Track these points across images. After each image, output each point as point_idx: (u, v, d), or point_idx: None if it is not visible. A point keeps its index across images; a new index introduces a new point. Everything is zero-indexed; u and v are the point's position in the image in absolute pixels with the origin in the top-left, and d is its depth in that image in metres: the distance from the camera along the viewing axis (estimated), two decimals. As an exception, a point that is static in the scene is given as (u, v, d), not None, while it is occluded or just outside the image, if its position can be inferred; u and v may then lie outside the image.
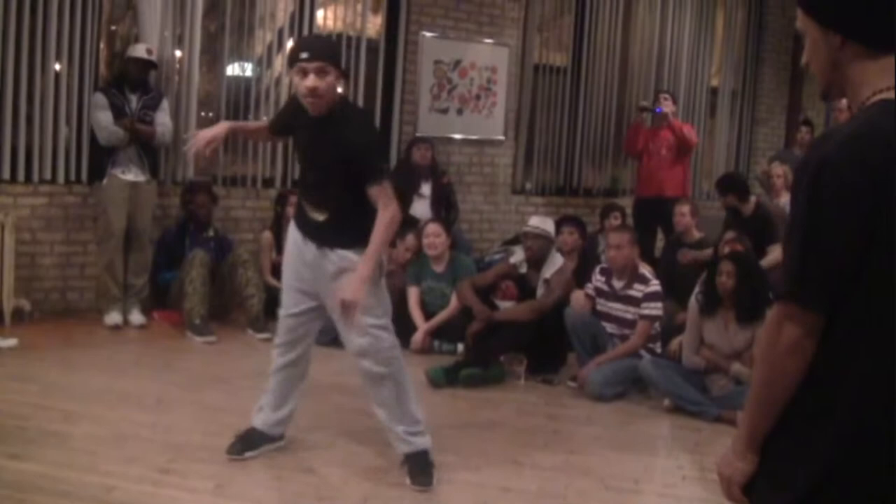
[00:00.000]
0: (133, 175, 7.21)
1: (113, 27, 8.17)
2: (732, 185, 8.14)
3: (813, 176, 1.91)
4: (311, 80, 4.08)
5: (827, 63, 2.04)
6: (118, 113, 7.05)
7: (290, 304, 4.60)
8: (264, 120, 4.45)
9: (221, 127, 4.62)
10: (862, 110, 1.98)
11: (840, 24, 1.99)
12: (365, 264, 4.13)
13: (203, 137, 4.49)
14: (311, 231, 4.40)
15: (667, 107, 9.19)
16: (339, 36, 8.75)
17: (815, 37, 2.05)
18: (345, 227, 4.28)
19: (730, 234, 7.05)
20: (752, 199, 8.09)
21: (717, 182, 8.48)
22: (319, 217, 4.34)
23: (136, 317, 7.30)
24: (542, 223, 6.94)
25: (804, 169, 1.95)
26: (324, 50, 4.20)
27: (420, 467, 4.45)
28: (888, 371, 1.90)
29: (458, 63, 9.20)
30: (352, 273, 4.15)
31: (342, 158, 4.15)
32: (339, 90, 4.32)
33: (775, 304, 1.96)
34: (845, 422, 1.91)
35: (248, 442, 4.67)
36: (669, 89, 10.01)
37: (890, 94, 1.95)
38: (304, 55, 4.11)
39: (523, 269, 6.91)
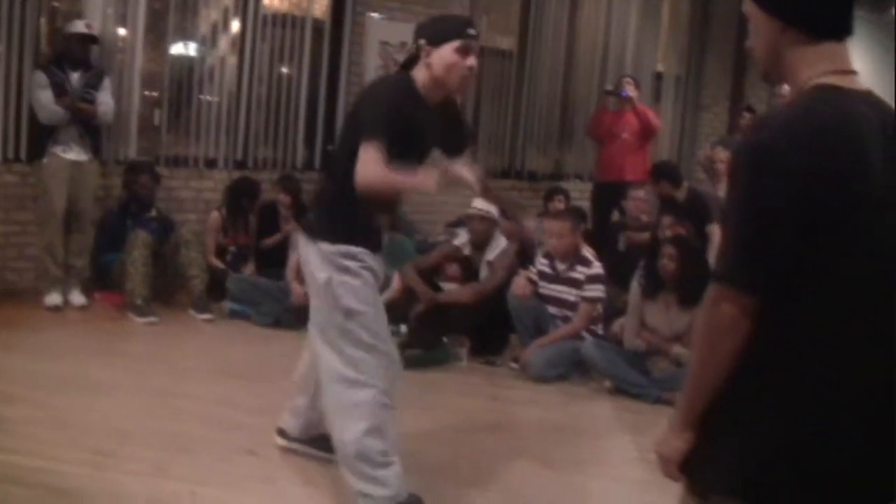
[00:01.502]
0: (74, 154, 7.12)
1: (55, 3, 8.04)
2: (665, 172, 8.24)
3: (749, 159, 1.95)
4: (473, 60, 3.75)
5: (768, 47, 2.09)
6: (59, 91, 6.94)
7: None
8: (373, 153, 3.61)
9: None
10: (799, 95, 2.02)
11: (781, 11, 2.04)
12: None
13: None
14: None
15: (631, 91, 9.24)
16: (285, 16, 8.70)
17: (759, 22, 2.09)
18: None
19: (668, 220, 7.12)
20: (685, 185, 8.21)
21: (650, 170, 8.54)
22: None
23: (77, 298, 7.23)
24: (485, 205, 6.96)
25: (741, 152, 2.00)
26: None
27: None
28: (826, 353, 1.95)
29: (404, 45, 9.14)
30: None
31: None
32: None
33: (711, 285, 1.99)
34: (778, 404, 1.95)
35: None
36: (630, 74, 10.03)
37: (827, 79, 1.99)
38: (472, 31, 3.77)
39: (467, 251, 6.94)
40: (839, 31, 2.05)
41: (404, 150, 3.59)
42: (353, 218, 3.76)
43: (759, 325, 1.95)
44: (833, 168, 1.90)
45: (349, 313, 3.73)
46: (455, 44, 3.69)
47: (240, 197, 7.86)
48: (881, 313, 1.99)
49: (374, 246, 3.84)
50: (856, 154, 1.92)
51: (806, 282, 1.93)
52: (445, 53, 3.70)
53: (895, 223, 1.99)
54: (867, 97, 2.04)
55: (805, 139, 1.90)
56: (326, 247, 3.76)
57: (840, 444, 1.97)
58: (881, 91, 2.19)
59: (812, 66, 2.02)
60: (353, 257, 3.74)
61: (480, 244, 6.86)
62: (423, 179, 3.57)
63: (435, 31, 3.78)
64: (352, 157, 3.56)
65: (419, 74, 3.78)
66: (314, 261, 3.80)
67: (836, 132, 1.92)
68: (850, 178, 1.91)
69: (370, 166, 3.49)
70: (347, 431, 3.76)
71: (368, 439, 3.73)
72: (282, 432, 4.53)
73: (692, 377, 2.06)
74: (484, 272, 6.80)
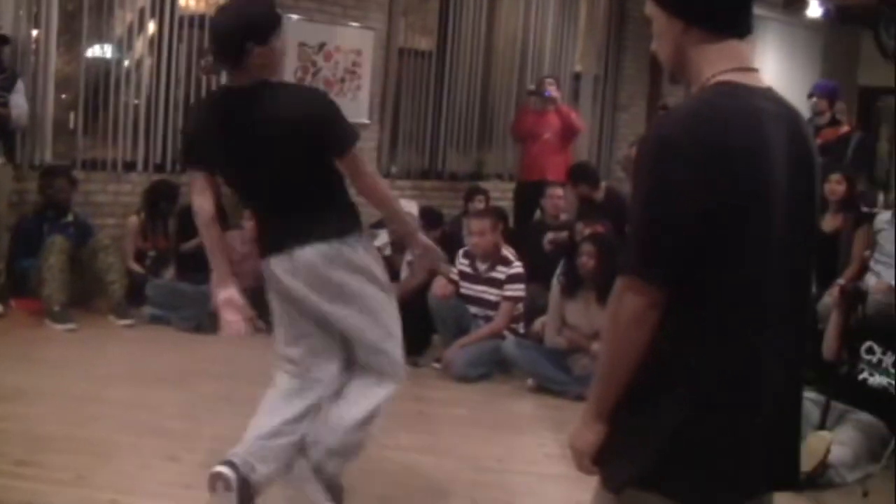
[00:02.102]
0: (-12, 158, 7.00)
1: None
2: (583, 174, 8.35)
3: (651, 152, 2.00)
4: None
5: (672, 48, 2.14)
6: (-30, 94, 6.83)
7: None
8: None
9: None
10: (701, 90, 2.07)
11: (683, 11, 2.10)
12: None
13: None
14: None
15: (553, 91, 9.32)
16: (202, 17, 8.62)
17: (661, 22, 2.15)
18: None
19: (586, 220, 7.18)
20: (603, 185, 8.33)
21: (568, 172, 8.62)
22: None
23: (-7, 305, 7.11)
24: (406, 206, 6.98)
25: (644, 145, 2.06)
26: None
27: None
28: (729, 343, 2.00)
29: (322, 46, 9.15)
30: None
31: None
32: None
33: (618, 278, 2.04)
34: (686, 395, 2.00)
35: None
36: (550, 74, 10.13)
37: (728, 76, 2.04)
38: None
39: (388, 252, 6.95)
40: (740, 29, 2.11)
41: None
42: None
43: (665, 316, 1.98)
44: (732, 160, 1.95)
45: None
46: None
47: (158, 200, 7.78)
48: (785, 302, 2.06)
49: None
50: (755, 146, 1.98)
51: (709, 272, 1.98)
52: None
53: (797, 215, 2.06)
54: (767, 93, 2.10)
55: (704, 132, 1.95)
56: (357, 238, 3.76)
57: (747, 432, 2.02)
58: (791, 90, 2.27)
59: (714, 65, 2.07)
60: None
61: (401, 245, 6.87)
62: None
63: None
64: (319, 159, 3.61)
65: None
66: (357, 258, 3.72)
67: (735, 125, 1.97)
68: (751, 170, 1.97)
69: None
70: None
71: None
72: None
73: (602, 369, 2.09)
74: (404, 273, 6.82)
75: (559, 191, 8.21)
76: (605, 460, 2.11)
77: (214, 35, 3.70)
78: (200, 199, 3.67)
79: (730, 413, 2.01)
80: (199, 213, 3.67)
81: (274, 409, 3.78)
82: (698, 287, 1.98)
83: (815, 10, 12.48)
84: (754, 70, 2.11)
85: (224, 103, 3.70)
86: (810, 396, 4.80)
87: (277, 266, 3.67)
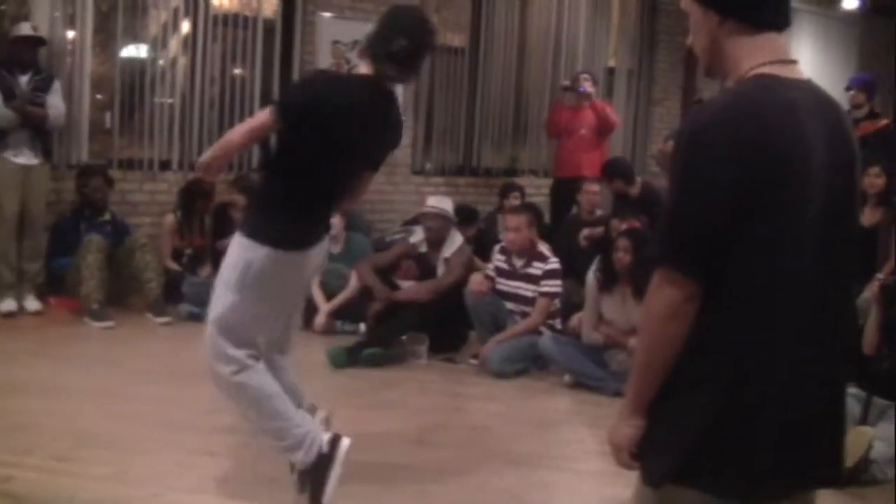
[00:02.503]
0: (25, 158, 7.05)
1: (1, 6, 7.96)
2: (618, 170, 8.31)
3: (686, 146, 1.98)
4: None
5: (707, 41, 2.11)
6: (7, 95, 6.87)
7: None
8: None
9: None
10: (737, 83, 2.04)
11: (718, 3, 2.07)
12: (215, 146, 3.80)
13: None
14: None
15: (588, 87, 9.29)
16: (236, 16, 8.66)
17: (697, 16, 2.12)
18: (255, 202, 4.11)
19: (622, 216, 7.16)
20: (638, 180, 8.28)
21: (602, 168, 8.59)
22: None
23: (32, 303, 7.15)
24: (440, 203, 7.00)
25: (679, 139, 2.03)
26: None
27: (304, 482, 3.87)
28: (768, 341, 1.97)
29: (355, 43, 9.11)
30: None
31: None
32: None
33: (656, 271, 2.01)
34: (722, 390, 1.97)
35: None
36: (589, 70, 10.10)
37: (766, 69, 2.01)
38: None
39: (423, 249, 6.95)
40: (778, 21, 2.07)
41: None
42: None
43: (702, 309, 1.97)
44: (767, 154, 1.92)
45: None
46: None
47: (193, 199, 7.81)
48: (824, 297, 2.03)
49: None
50: (791, 140, 1.95)
51: (744, 267, 1.95)
52: None
53: (836, 209, 2.02)
54: (806, 85, 2.06)
55: (739, 125, 1.92)
56: None
57: (785, 429, 1.99)
58: (826, 83, 2.22)
59: (752, 58, 2.04)
60: None
61: (436, 242, 6.87)
62: None
63: None
64: None
65: None
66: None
67: (771, 118, 1.94)
68: (786, 164, 1.94)
69: None
70: None
71: None
72: None
73: (638, 364, 2.08)
74: (441, 269, 6.81)
75: (595, 187, 8.18)
76: (643, 454, 2.10)
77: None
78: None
79: (767, 409, 1.98)
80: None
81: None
82: (733, 282, 1.96)
83: (850, 2, 12.37)
84: (793, 62, 2.07)
85: (379, 96, 3.82)
86: (851, 392, 4.74)
87: (306, 257, 3.81)
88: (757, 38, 2.05)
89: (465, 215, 7.72)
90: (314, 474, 3.79)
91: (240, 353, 3.79)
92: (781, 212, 1.94)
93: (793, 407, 2.00)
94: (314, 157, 3.71)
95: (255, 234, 3.71)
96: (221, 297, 3.78)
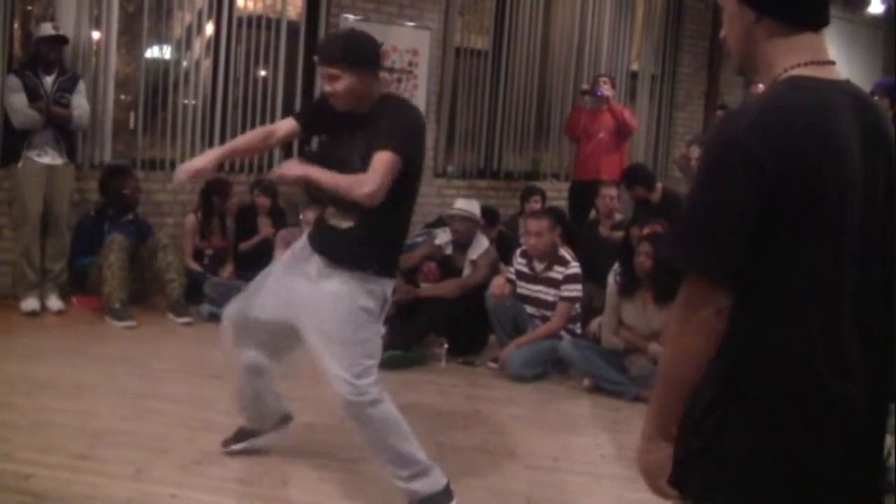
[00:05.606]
0: (50, 158, 7.09)
1: (28, 7, 8.01)
2: (639, 176, 8.28)
3: (722, 153, 1.90)
4: (326, 85, 3.82)
5: (742, 38, 2.04)
6: (33, 95, 6.92)
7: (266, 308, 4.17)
8: (259, 128, 4.39)
9: (210, 156, 4.21)
10: (772, 87, 1.97)
11: (755, 0, 1.99)
12: (322, 174, 3.74)
13: (189, 170, 4.07)
14: (327, 243, 3.94)
15: (606, 90, 9.27)
16: (260, 18, 8.68)
17: (732, 12, 2.04)
18: (371, 237, 3.81)
19: (642, 221, 7.13)
20: (659, 186, 8.25)
21: (623, 175, 8.56)
22: (344, 224, 3.88)
23: (55, 302, 7.19)
24: (469, 206, 7.01)
25: (714, 145, 1.95)
26: (335, 52, 3.82)
27: None
28: (809, 349, 1.90)
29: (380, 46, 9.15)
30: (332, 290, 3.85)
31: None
32: (380, 87, 3.95)
33: (684, 283, 1.93)
34: (767, 403, 1.91)
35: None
36: (608, 73, 10.09)
37: (802, 71, 1.95)
38: (315, 57, 3.95)
39: (448, 251, 6.96)
40: (815, 20, 2.00)
41: None
42: None
43: (739, 324, 1.90)
44: (802, 161, 1.85)
45: None
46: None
47: (210, 197, 7.82)
48: (862, 308, 1.95)
49: None
50: (827, 144, 1.88)
51: (777, 278, 1.89)
52: None
53: (875, 212, 1.95)
54: (844, 86, 1.99)
55: (777, 132, 1.86)
56: None
57: (830, 440, 1.92)
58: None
59: (787, 58, 1.97)
60: None
61: (463, 244, 6.88)
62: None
63: None
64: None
65: None
66: None
67: (806, 123, 1.88)
68: (821, 170, 1.87)
69: None
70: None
71: None
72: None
73: (664, 380, 2.01)
74: (467, 270, 6.82)
75: (613, 190, 8.15)
76: (682, 475, 2.00)
77: None
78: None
79: (812, 419, 1.91)
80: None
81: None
82: (764, 296, 1.89)
83: (876, 7, 12.29)
84: (830, 63, 1.99)
85: None
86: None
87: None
88: (793, 37, 1.97)
89: (488, 217, 7.73)
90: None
91: (375, 387, 3.87)
92: (815, 219, 1.87)
93: (838, 418, 1.92)
94: (414, 185, 3.94)
95: (383, 269, 3.87)
96: (350, 346, 3.81)
